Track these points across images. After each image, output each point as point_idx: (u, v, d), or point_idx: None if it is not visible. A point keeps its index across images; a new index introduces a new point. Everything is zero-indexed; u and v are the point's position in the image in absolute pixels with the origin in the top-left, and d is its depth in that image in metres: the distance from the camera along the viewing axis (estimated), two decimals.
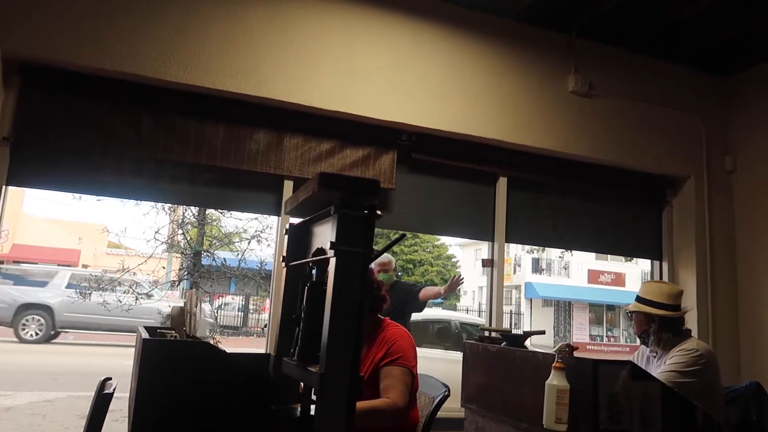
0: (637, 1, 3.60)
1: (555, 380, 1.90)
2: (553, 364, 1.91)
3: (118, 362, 8.55)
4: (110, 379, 2.31)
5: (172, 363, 1.81)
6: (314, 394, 1.41)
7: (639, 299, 2.83)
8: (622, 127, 4.13)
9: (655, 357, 2.83)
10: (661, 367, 2.70)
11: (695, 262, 4.24)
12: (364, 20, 3.52)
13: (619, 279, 25.08)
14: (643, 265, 23.69)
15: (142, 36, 3.00)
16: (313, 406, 1.73)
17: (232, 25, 3.21)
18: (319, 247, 1.69)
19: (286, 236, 1.97)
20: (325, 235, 1.66)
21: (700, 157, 4.36)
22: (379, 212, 1.49)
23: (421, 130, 3.62)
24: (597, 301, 24.52)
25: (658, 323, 2.77)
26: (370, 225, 1.48)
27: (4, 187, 2.89)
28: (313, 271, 1.82)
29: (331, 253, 1.45)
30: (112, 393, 2.08)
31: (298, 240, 1.92)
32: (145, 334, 2.01)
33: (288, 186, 3.39)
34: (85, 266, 21.62)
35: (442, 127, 3.62)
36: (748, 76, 4.43)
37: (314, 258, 1.68)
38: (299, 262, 1.83)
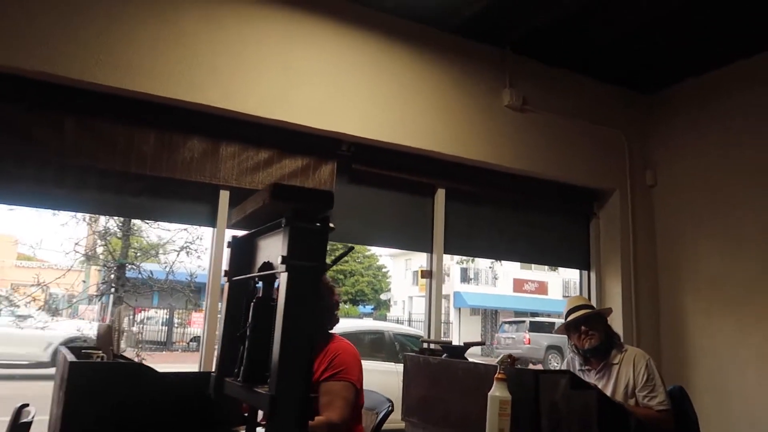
0: (567, 20, 3.74)
1: (497, 391, 1.88)
2: (495, 375, 1.91)
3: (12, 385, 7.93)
4: (27, 405, 2.12)
5: (103, 387, 1.68)
6: (264, 416, 1.34)
7: (588, 307, 2.87)
8: (553, 141, 4.27)
9: (588, 371, 2.84)
10: (611, 381, 2.74)
11: (620, 271, 4.43)
12: (301, 27, 3.45)
13: (542, 287, 25.98)
14: (564, 274, 24.67)
15: (64, 35, 2.79)
16: (260, 429, 1.65)
17: (163, 27, 3.05)
18: (266, 261, 1.62)
19: (228, 249, 1.88)
20: (272, 248, 1.58)
21: (623, 172, 4.57)
22: (332, 225, 1.44)
23: (361, 140, 3.59)
24: (522, 309, 25.28)
25: (609, 329, 2.85)
26: (323, 238, 1.42)
27: None
28: (258, 286, 1.74)
29: (281, 267, 1.38)
30: (31, 422, 1.91)
31: (242, 254, 1.83)
32: (70, 356, 1.86)
33: (224, 196, 3.25)
34: None
35: (381, 138, 3.60)
36: (666, 94, 4.70)
37: (262, 273, 1.60)
38: (244, 276, 1.74)
